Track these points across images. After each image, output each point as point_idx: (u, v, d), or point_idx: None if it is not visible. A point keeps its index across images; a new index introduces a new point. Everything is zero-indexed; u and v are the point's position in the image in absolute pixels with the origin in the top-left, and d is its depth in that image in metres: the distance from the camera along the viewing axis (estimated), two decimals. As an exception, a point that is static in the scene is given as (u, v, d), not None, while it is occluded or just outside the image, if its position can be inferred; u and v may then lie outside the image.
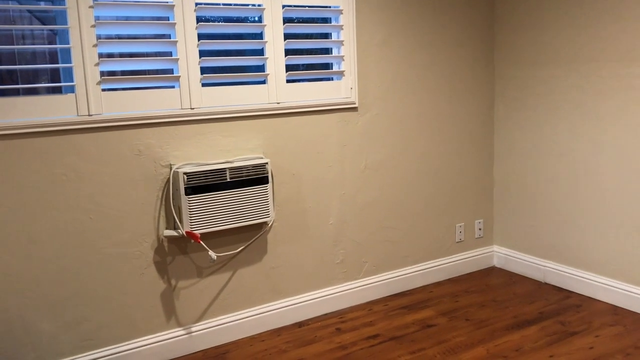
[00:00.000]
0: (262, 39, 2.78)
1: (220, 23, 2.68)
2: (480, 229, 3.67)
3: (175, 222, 2.61)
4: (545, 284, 3.41)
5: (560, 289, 3.31)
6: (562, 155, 3.24)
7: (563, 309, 3.04)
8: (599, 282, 3.13)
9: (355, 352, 2.68)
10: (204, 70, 2.66)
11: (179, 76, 2.57)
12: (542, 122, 3.32)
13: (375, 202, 3.23)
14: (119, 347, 2.58)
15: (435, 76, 3.33)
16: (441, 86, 3.36)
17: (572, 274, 3.27)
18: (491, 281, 3.48)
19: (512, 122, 3.51)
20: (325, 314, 3.11)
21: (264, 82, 2.80)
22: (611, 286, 3.07)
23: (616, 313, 2.97)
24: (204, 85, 2.65)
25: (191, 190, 2.54)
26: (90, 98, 2.39)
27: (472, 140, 3.55)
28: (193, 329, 2.75)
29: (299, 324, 3.00)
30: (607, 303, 3.09)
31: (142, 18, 2.55)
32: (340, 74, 3.00)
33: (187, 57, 2.58)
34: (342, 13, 2.94)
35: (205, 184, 2.57)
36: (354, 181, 3.13)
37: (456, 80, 3.42)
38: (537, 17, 3.26)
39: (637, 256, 2.94)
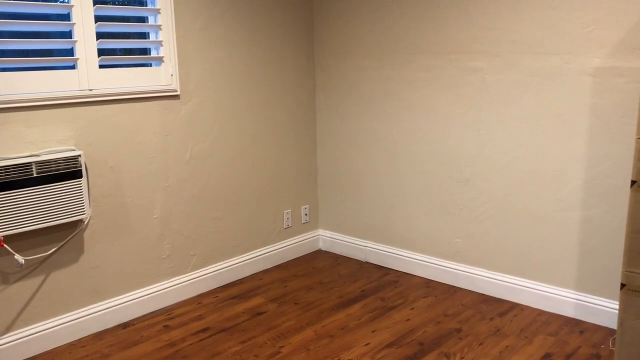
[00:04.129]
0: (69, 20, 2.55)
1: (20, 1, 2.40)
2: (306, 215, 3.78)
3: (-29, 224, 2.30)
4: (367, 263, 3.62)
5: (380, 267, 3.53)
6: (379, 141, 3.44)
7: (382, 286, 3.25)
8: (414, 259, 3.39)
9: (184, 348, 2.61)
10: (0, 53, 2.37)
11: (-30, 59, 2.27)
12: (361, 111, 3.49)
13: (202, 193, 3.15)
14: None
15: (258, 64, 3.33)
16: (264, 74, 3.37)
17: (390, 252, 3.50)
18: (318, 264, 3.60)
19: (333, 111, 3.64)
20: (152, 312, 2.98)
21: (73, 67, 2.57)
22: (423, 261, 3.35)
23: (429, 286, 3.24)
24: (1, 70, 2.36)
25: (-10, 188, 2.26)
26: None
27: (295, 128, 3.62)
28: (-1, 342, 2.47)
29: (124, 325, 2.84)
30: (421, 277, 3.37)
31: None
32: (160, 59, 2.86)
33: (-21, 38, 2.28)
34: (159, -4, 2.81)
35: (7, 180, 2.30)
36: (179, 172, 3.03)
37: (278, 69, 3.45)
38: (354, 10, 3.40)
39: (443, 232, 3.23)
